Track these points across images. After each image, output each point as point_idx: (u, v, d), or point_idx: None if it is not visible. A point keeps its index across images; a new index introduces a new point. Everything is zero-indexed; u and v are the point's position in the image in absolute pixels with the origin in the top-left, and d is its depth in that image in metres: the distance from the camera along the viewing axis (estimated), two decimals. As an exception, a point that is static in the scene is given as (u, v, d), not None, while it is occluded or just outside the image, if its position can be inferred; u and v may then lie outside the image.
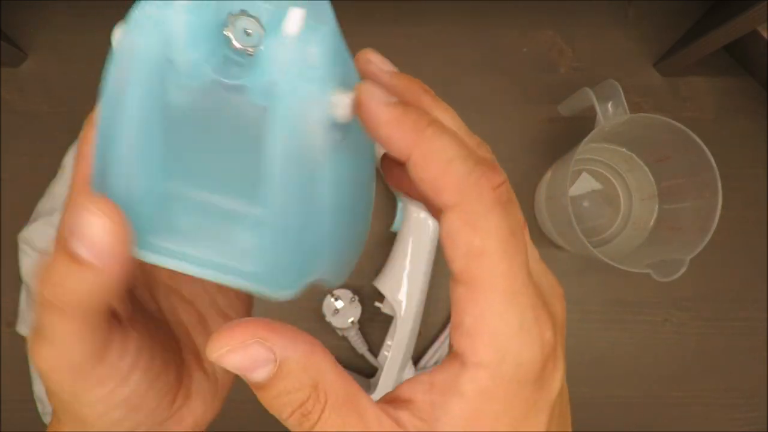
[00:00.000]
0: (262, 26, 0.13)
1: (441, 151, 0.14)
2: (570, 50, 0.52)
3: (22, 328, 0.46)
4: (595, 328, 0.50)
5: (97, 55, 0.56)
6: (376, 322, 0.49)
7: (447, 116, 0.17)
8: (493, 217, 0.14)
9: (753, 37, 0.46)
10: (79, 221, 0.13)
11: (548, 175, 0.48)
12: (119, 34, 0.14)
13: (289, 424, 0.14)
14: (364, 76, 0.16)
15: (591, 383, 0.50)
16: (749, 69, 0.52)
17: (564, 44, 0.53)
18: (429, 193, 0.14)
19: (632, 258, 0.46)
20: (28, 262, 0.46)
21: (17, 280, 0.46)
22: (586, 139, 0.41)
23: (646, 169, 0.49)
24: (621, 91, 0.41)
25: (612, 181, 0.51)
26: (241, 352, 0.14)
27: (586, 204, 0.51)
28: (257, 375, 0.14)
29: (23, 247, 0.46)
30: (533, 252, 0.17)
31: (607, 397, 0.50)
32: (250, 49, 0.13)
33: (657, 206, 0.48)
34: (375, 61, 0.17)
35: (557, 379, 0.15)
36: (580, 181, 0.51)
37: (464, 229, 0.14)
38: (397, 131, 0.14)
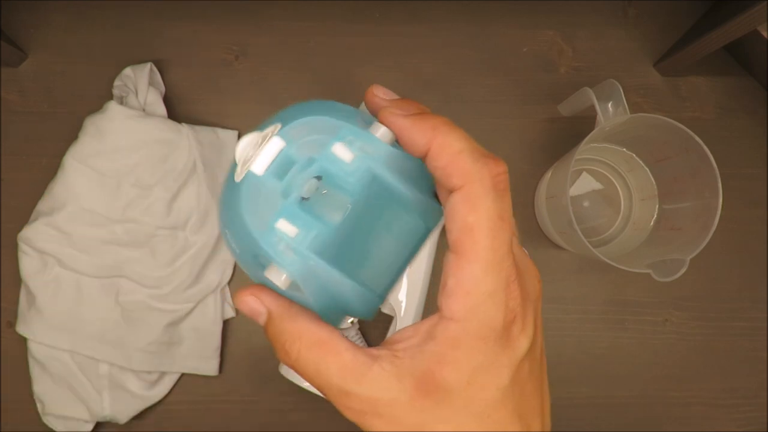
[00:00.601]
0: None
1: (452, 144, 0.17)
2: (570, 50, 0.52)
3: (22, 328, 0.46)
4: (595, 328, 0.50)
5: (97, 55, 0.57)
6: (376, 322, 0.49)
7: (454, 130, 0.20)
8: (487, 200, 0.17)
9: (753, 37, 0.46)
10: None
11: (548, 175, 0.48)
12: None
13: (281, 359, 0.19)
14: (373, 106, 0.21)
15: (591, 383, 0.50)
16: (749, 69, 0.52)
17: (564, 44, 0.53)
18: (442, 179, 0.17)
19: (632, 258, 0.46)
20: (28, 262, 0.46)
21: (17, 280, 0.46)
22: (586, 139, 0.41)
23: (646, 169, 0.49)
24: (621, 91, 0.41)
25: (612, 181, 0.51)
26: (244, 303, 0.19)
27: (586, 204, 0.51)
28: (259, 321, 0.19)
29: (23, 247, 0.46)
30: (518, 245, 0.20)
31: (607, 397, 0.50)
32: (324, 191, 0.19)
33: (657, 206, 0.48)
34: (380, 93, 0.21)
35: (523, 343, 0.17)
36: (580, 181, 0.51)
37: (463, 207, 0.17)
38: (417, 132, 0.18)
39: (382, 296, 0.21)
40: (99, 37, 0.51)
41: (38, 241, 0.46)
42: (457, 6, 0.52)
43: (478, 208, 0.17)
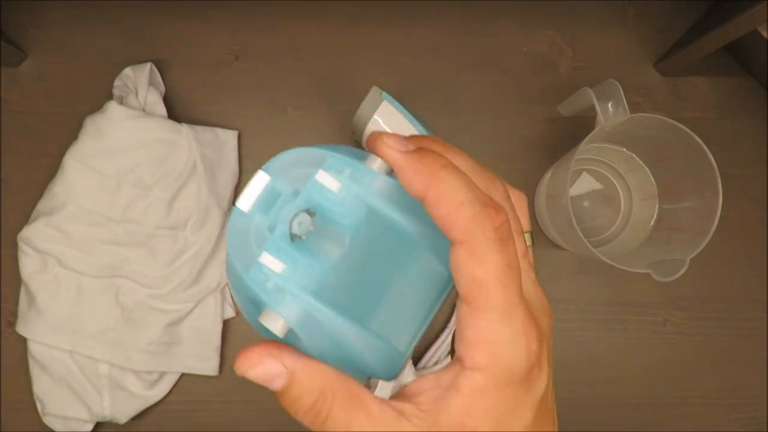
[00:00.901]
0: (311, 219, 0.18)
1: (452, 195, 0.16)
2: (570, 50, 0.52)
3: (22, 328, 0.46)
4: (595, 328, 0.50)
5: (97, 55, 0.56)
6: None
7: (459, 159, 0.19)
8: (492, 253, 0.16)
9: (753, 37, 0.46)
10: None
11: (548, 175, 0.48)
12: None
13: (305, 422, 0.17)
14: (378, 149, 0.19)
15: (591, 383, 0.50)
16: (749, 69, 0.52)
17: (564, 44, 0.53)
18: (441, 228, 0.17)
19: (632, 258, 0.46)
20: (28, 262, 0.46)
21: (17, 280, 0.46)
22: (586, 139, 0.41)
23: (646, 169, 0.49)
24: (621, 91, 0.41)
25: (612, 181, 0.51)
26: (259, 367, 0.17)
27: (586, 204, 0.51)
28: (275, 384, 0.17)
29: (23, 247, 0.46)
30: (530, 274, 0.20)
31: (607, 397, 0.50)
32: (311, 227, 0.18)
33: (657, 206, 0.48)
34: (386, 139, 0.19)
35: (542, 382, 0.17)
36: (580, 181, 0.51)
37: (469, 262, 0.16)
38: (414, 176, 0.17)
39: (404, 353, 0.19)
40: (99, 37, 0.51)
41: (38, 241, 0.46)
42: (457, 6, 0.52)
43: (484, 263, 0.16)
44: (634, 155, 0.49)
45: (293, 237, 0.18)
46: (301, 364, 0.17)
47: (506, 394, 0.17)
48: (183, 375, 0.48)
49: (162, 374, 0.47)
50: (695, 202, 0.43)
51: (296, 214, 0.17)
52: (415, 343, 0.20)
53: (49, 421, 0.45)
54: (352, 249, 0.18)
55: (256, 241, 0.18)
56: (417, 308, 0.20)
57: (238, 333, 0.49)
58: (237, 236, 0.18)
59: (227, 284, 0.49)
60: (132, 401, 0.46)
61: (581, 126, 0.49)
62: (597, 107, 0.42)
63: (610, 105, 0.42)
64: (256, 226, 0.18)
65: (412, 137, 0.19)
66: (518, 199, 0.21)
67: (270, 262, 0.17)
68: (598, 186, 0.51)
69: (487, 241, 0.16)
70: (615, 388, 0.50)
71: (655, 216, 0.48)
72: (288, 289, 0.17)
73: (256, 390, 0.48)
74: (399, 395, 0.18)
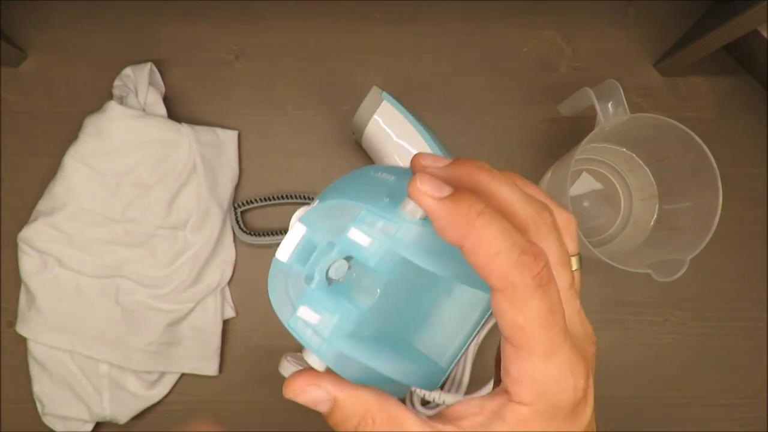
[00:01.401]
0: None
1: (489, 244, 0.16)
2: (570, 50, 0.52)
3: (22, 328, 0.46)
4: (595, 328, 0.50)
5: (97, 55, 0.56)
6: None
7: (504, 190, 0.19)
8: (533, 301, 0.16)
9: (753, 37, 0.46)
10: None
11: (548, 175, 0.48)
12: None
13: None
14: (414, 195, 0.18)
15: (591, 383, 0.50)
16: (749, 69, 0.52)
17: (564, 44, 0.53)
18: (481, 275, 0.17)
19: (632, 258, 0.46)
20: (28, 262, 0.46)
21: (17, 280, 0.46)
22: (586, 139, 0.41)
23: (646, 169, 0.49)
24: (621, 91, 0.41)
25: (612, 181, 0.51)
26: (305, 395, 0.19)
27: (586, 204, 0.51)
28: (321, 408, 0.19)
29: (23, 247, 0.46)
30: (574, 304, 0.20)
31: (607, 397, 0.50)
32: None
33: (657, 206, 0.48)
34: (429, 161, 0.19)
35: (587, 414, 0.18)
36: (580, 181, 0.51)
37: (510, 310, 0.16)
38: (449, 225, 0.17)
39: (446, 368, 0.21)
40: (99, 37, 0.51)
41: (38, 241, 0.46)
42: (457, 6, 0.52)
43: (525, 309, 0.16)
44: (634, 155, 0.49)
45: (330, 281, 0.19)
46: (342, 393, 0.18)
47: (551, 428, 0.17)
48: (183, 375, 0.48)
49: (162, 374, 0.47)
50: (695, 202, 0.43)
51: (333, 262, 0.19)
52: (457, 359, 0.21)
53: (49, 421, 0.45)
54: (390, 287, 0.19)
55: (294, 290, 0.19)
56: (459, 327, 0.20)
57: (238, 333, 0.49)
58: (276, 284, 0.19)
59: (227, 284, 0.49)
60: (132, 401, 0.46)
61: (581, 126, 0.49)
62: (597, 107, 0.42)
63: (610, 105, 0.42)
64: (295, 275, 0.19)
65: (454, 163, 0.19)
66: (567, 224, 0.21)
67: (307, 314, 0.18)
68: (598, 186, 0.51)
69: (528, 290, 0.16)
70: (615, 388, 0.50)
71: (655, 216, 0.48)
72: (324, 338, 0.18)
73: (256, 390, 0.48)
74: (441, 416, 0.18)
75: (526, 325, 0.16)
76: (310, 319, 0.18)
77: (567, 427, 0.18)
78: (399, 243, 0.17)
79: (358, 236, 0.17)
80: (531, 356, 0.17)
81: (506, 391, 0.17)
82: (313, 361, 0.19)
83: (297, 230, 0.18)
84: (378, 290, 0.19)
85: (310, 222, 0.18)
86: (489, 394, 0.18)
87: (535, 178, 0.51)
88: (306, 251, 0.19)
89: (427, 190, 0.17)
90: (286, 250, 0.18)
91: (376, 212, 0.18)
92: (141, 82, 0.48)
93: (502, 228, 0.16)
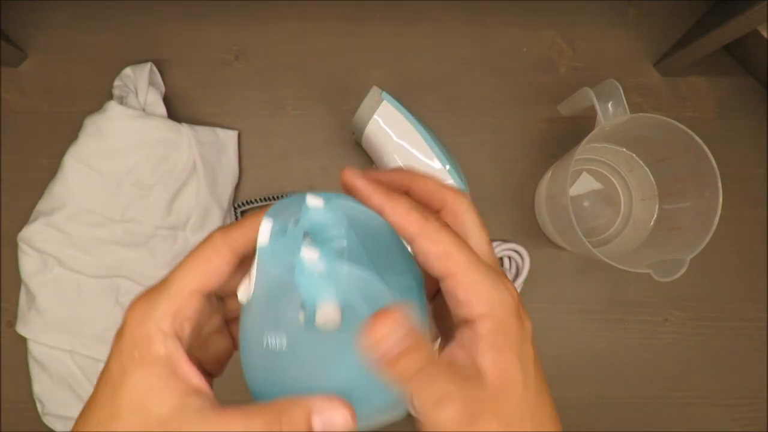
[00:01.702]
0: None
1: (402, 205, 0.21)
2: (570, 50, 0.52)
3: (22, 328, 0.46)
4: (595, 328, 0.50)
5: (97, 55, 0.56)
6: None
7: (420, 179, 0.24)
8: (444, 235, 0.21)
9: (753, 37, 0.46)
10: None
11: (548, 175, 0.48)
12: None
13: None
14: (354, 190, 0.22)
15: (591, 383, 0.50)
16: (749, 69, 0.52)
17: (564, 44, 0.53)
18: (399, 231, 0.21)
19: (632, 258, 0.46)
20: (28, 262, 0.46)
21: (17, 280, 0.46)
22: (586, 139, 0.41)
23: (646, 169, 0.49)
24: (621, 91, 0.41)
25: (612, 181, 0.51)
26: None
27: (586, 204, 0.51)
28: None
29: (23, 247, 0.46)
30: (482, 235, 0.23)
31: (608, 397, 0.50)
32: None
33: (657, 206, 0.48)
34: (359, 184, 0.23)
35: (529, 321, 0.21)
36: (580, 181, 0.51)
37: (432, 246, 0.20)
38: (375, 195, 0.22)
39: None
40: (99, 37, 0.51)
41: (38, 241, 0.46)
42: (457, 6, 0.52)
43: (441, 241, 0.20)
44: (634, 155, 0.49)
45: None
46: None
47: (510, 328, 0.20)
48: (183, 375, 0.48)
49: (162, 374, 0.47)
50: (695, 202, 0.43)
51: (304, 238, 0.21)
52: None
53: (49, 421, 0.45)
54: (351, 240, 0.22)
55: (287, 254, 0.21)
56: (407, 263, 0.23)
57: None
58: (273, 256, 0.21)
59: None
60: (132, 401, 0.46)
61: (581, 126, 0.49)
62: (597, 107, 0.42)
63: (610, 105, 0.42)
64: (280, 250, 0.21)
65: (389, 173, 0.23)
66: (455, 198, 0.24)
67: (310, 253, 0.20)
68: (598, 186, 0.51)
69: (436, 229, 0.21)
70: (615, 388, 0.50)
71: (655, 216, 0.48)
72: (336, 265, 0.20)
73: (256, 390, 0.48)
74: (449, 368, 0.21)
75: (447, 250, 0.20)
76: (312, 256, 0.20)
77: (521, 328, 0.20)
78: (345, 200, 0.22)
79: (313, 200, 0.21)
80: (465, 273, 0.20)
81: (466, 321, 0.20)
82: (332, 312, 0.20)
83: (267, 221, 0.21)
84: (345, 242, 0.21)
85: (273, 215, 0.22)
86: (452, 344, 0.21)
87: (535, 178, 0.51)
88: (280, 233, 0.21)
89: (356, 179, 0.22)
90: (264, 235, 0.21)
91: (324, 193, 0.22)
92: (141, 82, 0.48)
93: (409, 199, 0.22)
